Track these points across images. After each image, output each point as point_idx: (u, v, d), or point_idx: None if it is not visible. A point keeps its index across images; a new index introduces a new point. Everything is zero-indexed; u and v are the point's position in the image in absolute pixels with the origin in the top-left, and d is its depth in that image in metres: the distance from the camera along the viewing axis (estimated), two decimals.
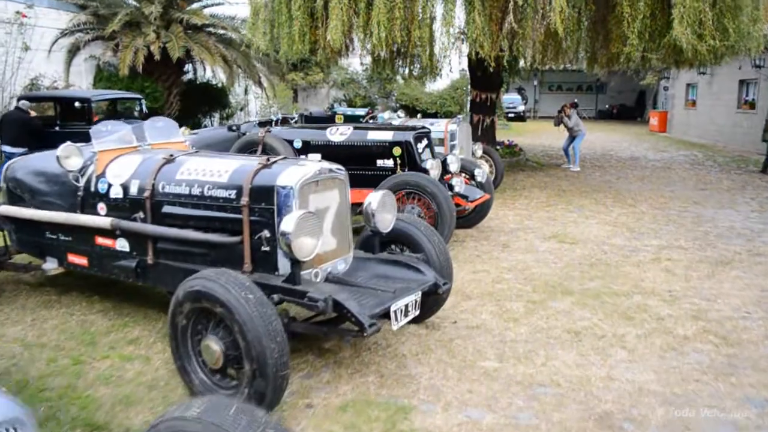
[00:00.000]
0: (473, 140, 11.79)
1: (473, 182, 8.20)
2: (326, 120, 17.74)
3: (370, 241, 4.62)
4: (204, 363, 3.69)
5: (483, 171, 8.20)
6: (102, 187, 4.90)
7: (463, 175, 8.38)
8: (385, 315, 3.88)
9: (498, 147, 15.70)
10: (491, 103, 15.34)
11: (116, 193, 4.81)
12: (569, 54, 14.25)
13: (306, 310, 3.83)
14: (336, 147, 7.72)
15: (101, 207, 4.92)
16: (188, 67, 21.73)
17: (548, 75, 38.01)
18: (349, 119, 17.57)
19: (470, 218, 8.32)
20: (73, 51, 18.24)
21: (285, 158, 4.36)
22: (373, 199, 4.38)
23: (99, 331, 5.01)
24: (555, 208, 10.18)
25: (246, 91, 26.39)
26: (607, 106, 43.42)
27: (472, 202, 7.68)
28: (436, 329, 4.88)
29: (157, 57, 16.76)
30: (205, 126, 23.74)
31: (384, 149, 7.51)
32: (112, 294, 5.76)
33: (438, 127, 10.87)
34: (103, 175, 4.94)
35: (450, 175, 7.93)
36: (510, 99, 37.57)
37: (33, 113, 12.32)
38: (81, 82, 19.38)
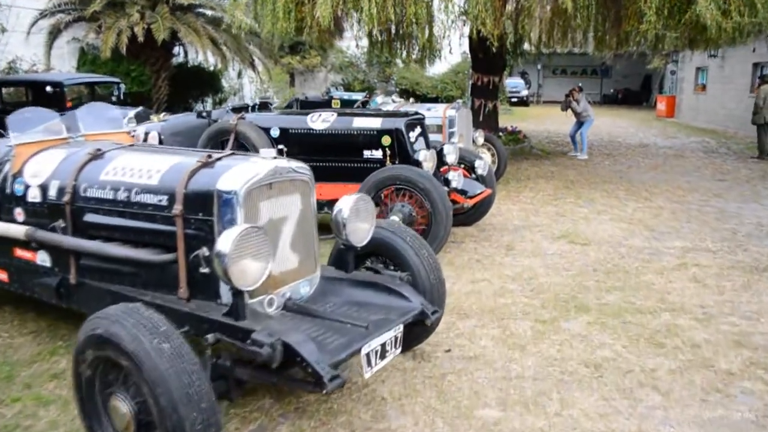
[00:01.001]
0: (474, 127, 10.90)
1: (473, 175, 7.30)
2: (322, 105, 16.78)
3: (343, 256, 3.74)
4: None
5: (484, 162, 7.29)
6: (18, 189, 4.03)
7: (462, 167, 7.49)
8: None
9: (501, 134, 14.77)
10: (494, 86, 14.37)
11: (34, 196, 3.94)
12: (578, 33, 13.29)
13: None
14: (318, 135, 6.82)
15: (18, 213, 4.05)
16: (178, 49, 20.82)
17: (552, 58, 36.90)
18: (346, 104, 16.67)
19: (470, 215, 7.45)
20: (55, 33, 17.32)
21: (232, 154, 3.46)
22: (344, 204, 3.49)
23: (21, 360, 4.15)
24: (563, 201, 9.28)
25: (239, 75, 25.41)
26: (612, 90, 42.36)
27: (471, 198, 6.79)
28: (425, 360, 4.01)
29: (141, 39, 15.80)
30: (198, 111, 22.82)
31: (371, 138, 6.61)
32: (52, 310, 4.87)
33: (435, 112, 9.98)
34: (20, 174, 4.06)
35: (447, 168, 7.04)
36: (513, 83, 36.53)
37: None
38: (64, 66, 18.45)
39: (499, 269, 5.99)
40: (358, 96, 20.06)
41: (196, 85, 21.90)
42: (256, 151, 6.83)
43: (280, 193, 3.30)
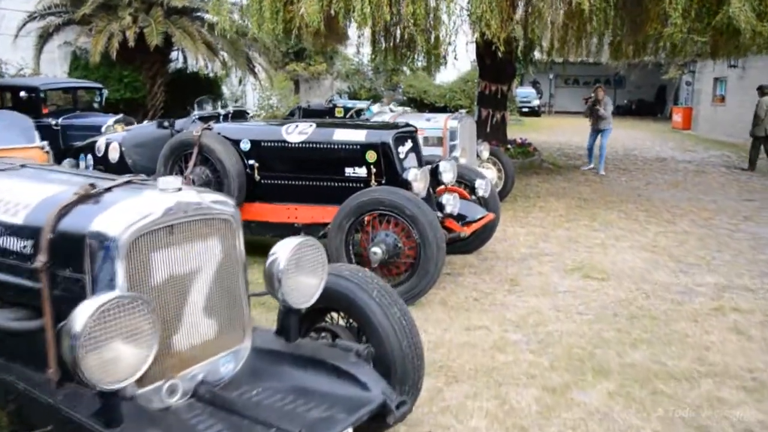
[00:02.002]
0: (480, 138, 9.99)
1: (473, 197, 6.36)
2: (325, 113, 15.94)
3: (287, 321, 2.80)
4: None
5: (486, 182, 6.34)
6: None
7: (462, 186, 6.58)
8: None
9: (509, 146, 13.83)
10: (502, 96, 13.47)
11: None
12: (593, 39, 12.39)
13: None
14: (293, 149, 5.90)
15: None
16: (177, 55, 20.09)
17: (565, 68, 35.97)
18: (349, 112, 15.83)
19: (470, 242, 6.50)
20: (45, 36, 16.60)
21: (128, 182, 2.55)
22: (280, 252, 2.57)
23: None
24: (576, 224, 8.31)
25: (240, 82, 24.62)
26: (625, 101, 41.26)
27: (468, 225, 5.84)
28: None
29: (132, 43, 15.01)
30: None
31: (354, 153, 5.68)
32: None
33: (435, 123, 9.11)
34: None
35: (443, 188, 6.12)
36: (524, 93, 35.64)
37: None
38: (55, 71, 17.75)
39: (500, 312, 5.03)
40: (363, 104, 19.25)
41: (194, 92, 21.07)
42: (223, 167, 5.97)
43: (187, 238, 2.38)
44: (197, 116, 6.60)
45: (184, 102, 20.72)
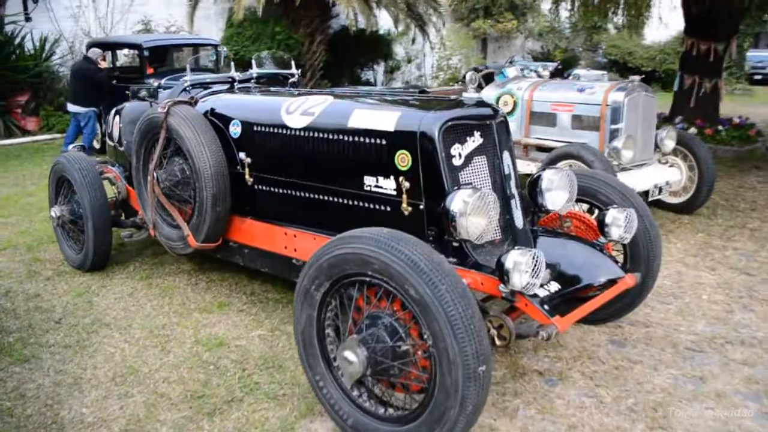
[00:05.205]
0: (679, 117, 6.89)
1: (604, 239, 3.48)
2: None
3: None
4: None
5: (627, 215, 3.32)
6: None
7: (584, 211, 3.80)
8: None
9: (721, 127, 10.12)
10: (716, 57, 9.82)
11: None
12: None
13: None
14: (292, 139, 3.58)
15: None
16: (340, 9, 18.55)
17: None
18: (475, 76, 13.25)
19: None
20: None
21: None
22: None
23: None
24: None
25: (413, 41, 22.45)
26: None
27: (564, 303, 3.09)
28: None
29: None
30: (368, 82, 20.55)
31: (376, 153, 3.20)
32: None
33: (591, 95, 6.30)
34: None
35: (555, 216, 3.47)
36: (758, 57, 29.28)
37: (103, 64, 9.58)
38: (210, 28, 17.00)
39: None
40: (547, 66, 16.20)
41: (359, 52, 19.53)
42: (193, 163, 3.81)
43: None
44: (189, 84, 4.50)
45: (350, 62, 19.30)
